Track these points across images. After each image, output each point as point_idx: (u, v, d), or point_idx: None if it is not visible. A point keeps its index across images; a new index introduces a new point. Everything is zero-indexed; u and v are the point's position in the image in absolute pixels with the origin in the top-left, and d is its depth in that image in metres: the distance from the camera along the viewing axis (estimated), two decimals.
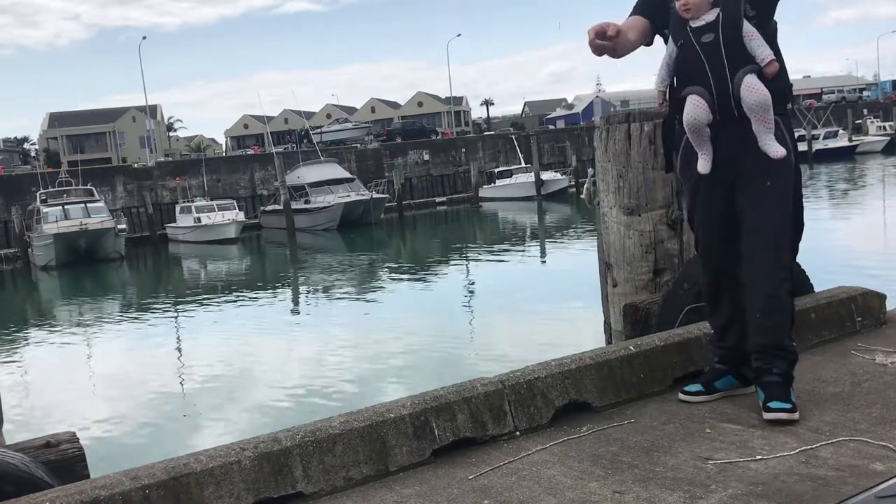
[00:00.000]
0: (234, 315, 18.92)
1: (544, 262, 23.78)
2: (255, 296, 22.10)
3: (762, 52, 3.02)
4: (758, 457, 2.96)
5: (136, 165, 49.50)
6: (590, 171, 5.62)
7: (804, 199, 3.37)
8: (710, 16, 3.04)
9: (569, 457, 2.98)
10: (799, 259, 5.29)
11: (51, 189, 36.85)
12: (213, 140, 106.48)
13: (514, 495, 2.80)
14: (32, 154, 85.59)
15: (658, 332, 3.95)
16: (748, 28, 3.00)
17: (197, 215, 37.55)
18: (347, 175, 43.51)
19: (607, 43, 3.05)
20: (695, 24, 3.04)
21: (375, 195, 39.74)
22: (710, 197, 3.22)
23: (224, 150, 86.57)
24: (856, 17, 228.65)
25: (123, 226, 35.28)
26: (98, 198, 36.39)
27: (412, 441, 3.33)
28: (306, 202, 40.03)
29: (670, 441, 3.03)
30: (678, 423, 3.21)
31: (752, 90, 3.00)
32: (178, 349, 15.76)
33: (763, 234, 3.08)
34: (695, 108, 3.07)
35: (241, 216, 38.44)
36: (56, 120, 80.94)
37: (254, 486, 3.00)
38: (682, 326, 4.01)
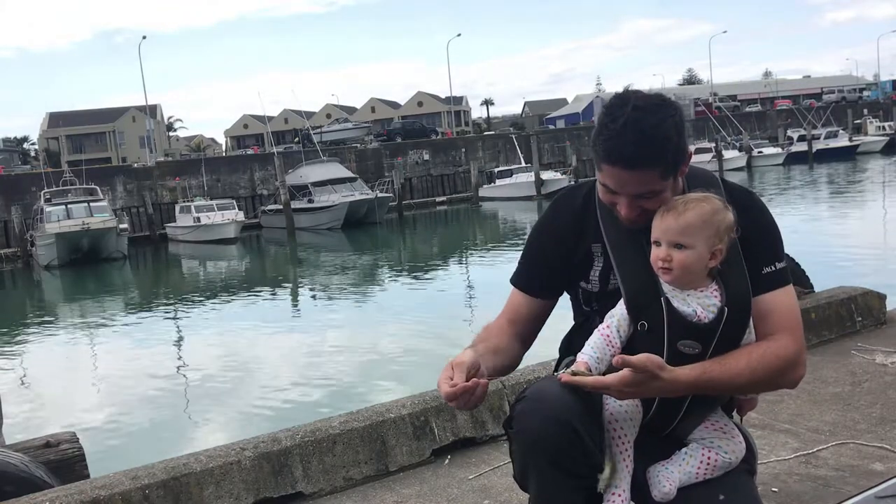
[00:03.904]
0: (234, 315, 18.91)
1: None
2: (255, 295, 22.08)
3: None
4: (758, 457, 2.96)
5: (135, 165, 49.39)
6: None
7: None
8: (711, 299, 1.84)
9: None
10: (799, 259, 5.31)
11: (54, 188, 36.80)
12: (213, 140, 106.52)
13: (514, 495, 2.79)
14: (32, 154, 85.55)
15: None
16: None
17: (196, 215, 37.52)
18: (350, 174, 43.55)
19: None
20: (676, 301, 1.84)
21: (380, 194, 39.83)
22: None
23: (224, 149, 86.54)
24: (852, 19, 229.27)
25: (126, 225, 35.21)
26: (101, 197, 36.36)
27: (412, 441, 3.32)
28: (310, 201, 40.08)
29: None
30: None
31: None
32: (179, 349, 15.75)
33: None
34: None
35: (240, 216, 38.41)
36: (56, 120, 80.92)
37: (254, 486, 3.00)
38: None
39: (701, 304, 1.83)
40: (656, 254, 1.83)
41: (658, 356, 1.74)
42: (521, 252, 2.16)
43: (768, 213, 1.98)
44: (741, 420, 2.05)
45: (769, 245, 1.93)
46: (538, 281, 2.08)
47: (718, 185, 1.97)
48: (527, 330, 2.10)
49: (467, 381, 1.79)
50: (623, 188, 1.83)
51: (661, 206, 1.85)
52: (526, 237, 2.16)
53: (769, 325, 1.89)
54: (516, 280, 2.12)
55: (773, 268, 1.91)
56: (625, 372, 1.71)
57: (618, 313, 1.88)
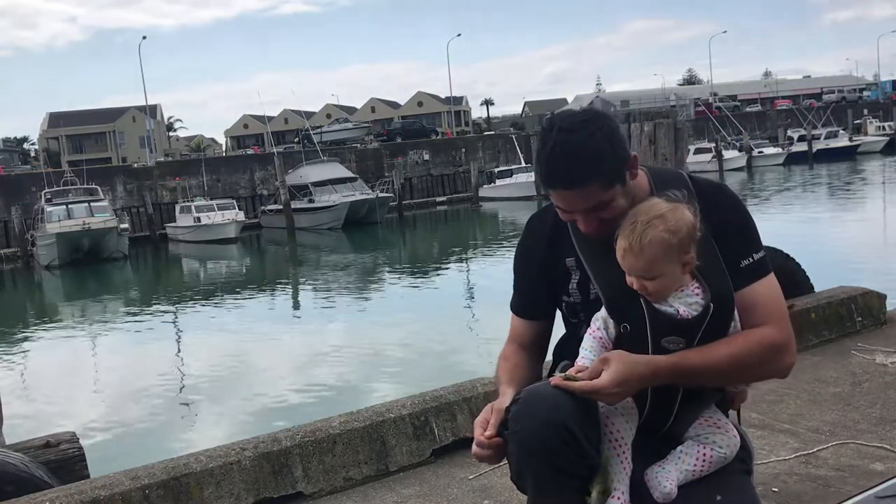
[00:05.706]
0: (235, 315, 18.91)
1: None
2: (255, 295, 22.09)
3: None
4: (758, 457, 2.96)
5: (136, 165, 49.40)
6: None
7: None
8: (692, 297, 1.84)
9: None
10: (799, 259, 5.31)
11: (55, 188, 36.79)
12: (213, 140, 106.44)
13: (514, 495, 2.79)
14: (32, 154, 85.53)
15: None
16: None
17: (197, 215, 37.53)
18: (350, 174, 43.58)
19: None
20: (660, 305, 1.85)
21: (380, 194, 39.87)
22: None
23: (224, 150, 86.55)
24: (852, 19, 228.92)
25: (126, 225, 35.21)
26: (102, 197, 36.39)
27: (412, 441, 3.33)
28: (310, 201, 40.11)
29: None
30: None
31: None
32: (179, 349, 15.75)
33: None
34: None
35: (240, 216, 38.43)
36: (56, 120, 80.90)
37: (254, 486, 3.00)
38: None
39: (683, 303, 1.83)
40: (630, 282, 1.85)
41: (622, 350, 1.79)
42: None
43: (741, 204, 1.98)
44: (738, 419, 2.05)
45: (745, 237, 1.94)
46: (531, 304, 2.14)
47: (686, 182, 1.98)
48: (538, 347, 2.18)
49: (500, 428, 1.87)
50: (571, 206, 1.87)
51: (617, 213, 1.85)
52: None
53: (754, 317, 1.90)
54: (513, 307, 2.19)
55: (752, 259, 1.91)
56: (609, 373, 1.73)
57: (603, 314, 1.90)
